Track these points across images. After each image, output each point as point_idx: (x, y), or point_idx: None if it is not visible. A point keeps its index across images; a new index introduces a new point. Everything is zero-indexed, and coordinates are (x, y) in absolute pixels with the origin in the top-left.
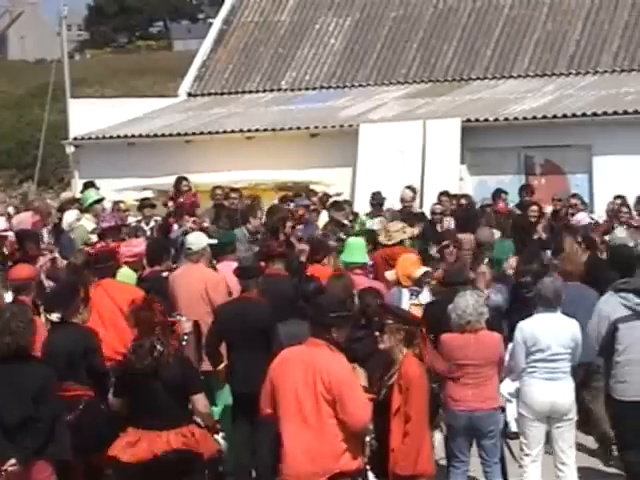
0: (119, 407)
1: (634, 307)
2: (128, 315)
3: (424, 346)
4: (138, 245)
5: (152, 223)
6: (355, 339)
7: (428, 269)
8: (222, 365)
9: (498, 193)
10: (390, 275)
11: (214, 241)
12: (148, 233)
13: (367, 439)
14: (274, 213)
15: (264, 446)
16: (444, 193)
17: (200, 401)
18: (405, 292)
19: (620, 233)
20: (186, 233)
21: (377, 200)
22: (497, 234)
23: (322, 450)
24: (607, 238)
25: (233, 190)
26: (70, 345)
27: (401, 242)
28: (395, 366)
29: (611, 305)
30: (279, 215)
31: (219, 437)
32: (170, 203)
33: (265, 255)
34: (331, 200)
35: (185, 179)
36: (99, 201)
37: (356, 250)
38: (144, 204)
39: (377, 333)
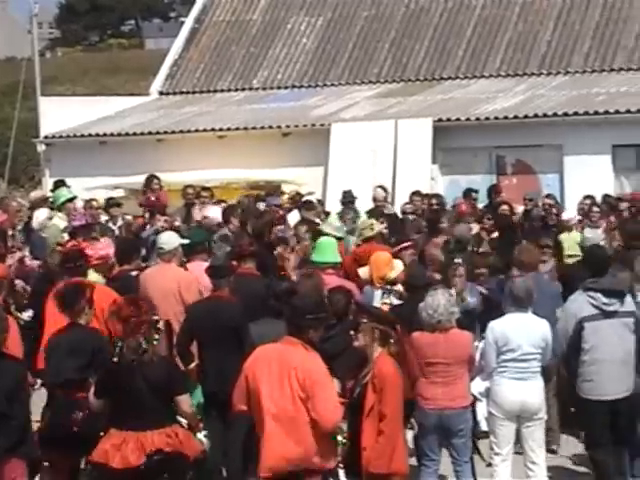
0: (101, 408)
1: (601, 306)
2: (112, 313)
3: (401, 345)
4: (104, 248)
5: (119, 222)
6: (325, 338)
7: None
8: (193, 364)
9: (468, 193)
10: (363, 272)
11: (186, 241)
12: (117, 232)
13: (339, 438)
14: (260, 217)
15: (236, 446)
16: (416, 193)
17: (185, 402)
18: (378, 291)
19: (588, 234)
20: (157, 232)
21: (348, 199)
22: (476, 228)
23: (294, 447)
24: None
25: (204, 189)
26: (77, 346)
27: (371, 239)
28: (369, 365)
29: (579, 304)
30: (265, 219)
31: (201, 436)
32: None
33: (237, 254)
34: (303, 199)
35: (156, 177)
36: (71, 199)
37: (327, 250)
38: (110, 204)
39: (352, 332)
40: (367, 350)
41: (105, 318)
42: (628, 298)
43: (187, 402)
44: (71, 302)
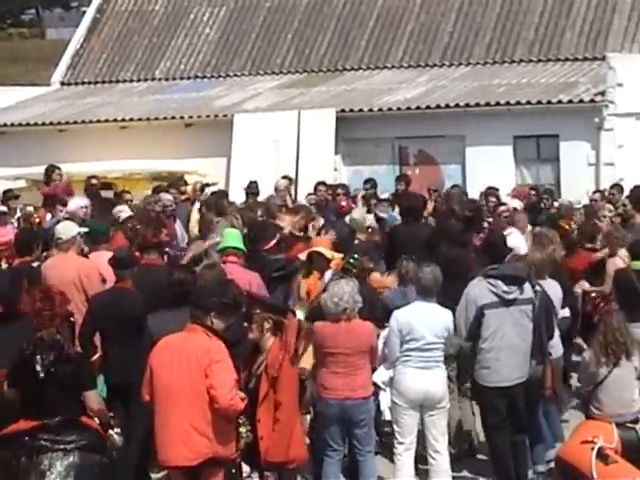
0: (12, 396)
1: (501, 294)
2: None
3: (291, 333)
4: (4, 234)
5: (18, 214)
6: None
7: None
8: (96, 356)
9: (367, 182)
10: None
11: (85, 229)
12: (15, 225)
13: (242, 430)
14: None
15: (139, 437)
16: (321, 183)
17: (92, 397)
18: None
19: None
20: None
21: (252, 189)
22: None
23: (195, 435)
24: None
25: (105, 186)
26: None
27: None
28: (262, 355)
29: (479, 290)
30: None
31: (113, 432)
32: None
33: (140, 245)
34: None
35: (57, 168)
36: None
37: (232, 238)
38: (8, 196)
39: (245, 323)
40: (260, 340)
41: None
42: (527, 285)
43: (95, 398)
44: (11, 294)
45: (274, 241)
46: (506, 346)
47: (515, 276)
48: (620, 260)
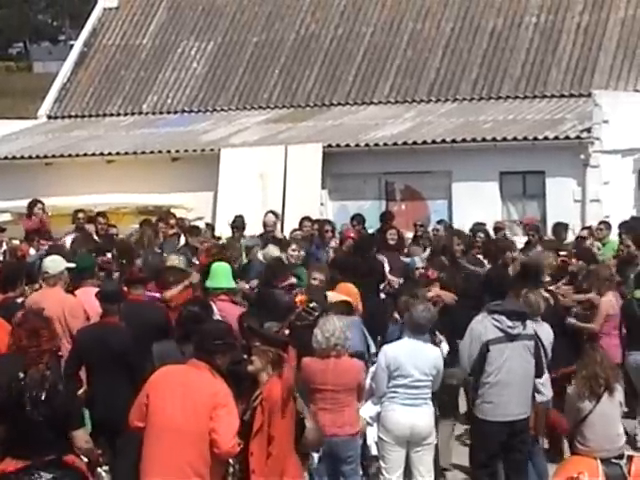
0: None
1: (506, 329)
2: (12, 343)
3: (289, 368)
4: None
5: (4, 247)
6: (234, 362)
7: None
8: (81, 390)
9: (354, 218)
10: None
11: (72, 265)
12: (1, 258)
13: (231, 461)
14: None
15: (124, 472)
16: (306, 218)
17: (80, 437)
18: None
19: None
20: (42, 257)
21: (238, 224)
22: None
23: (191, 475)
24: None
25: (100, 215)
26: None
27: None
28: (260, 388)
29: (484, 326)
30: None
31: (102, 470)
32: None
33: (127, 280)
34: (190, 224)
35: (39, 202)
36: None
37: (221, 275)
38: None
39: (245, 356)
40: (259, 373)
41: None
42: (529, 321)
43: (83, 437)
44: None
45: (290, 280)
46: (511, 381)
47: (518, 311)
48: (612, 299)
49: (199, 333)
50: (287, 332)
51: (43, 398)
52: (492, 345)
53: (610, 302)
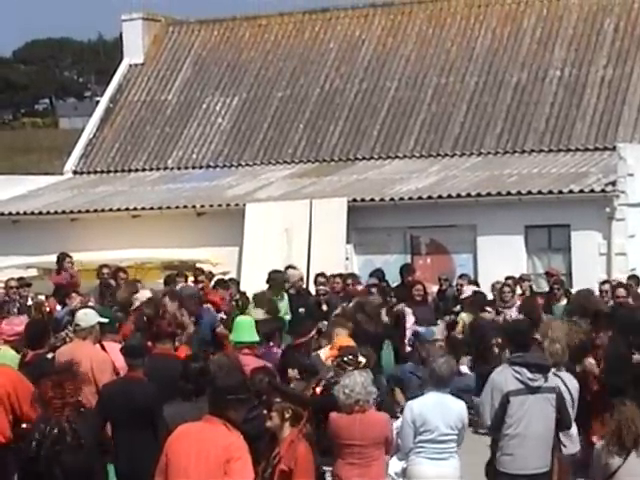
0: None
1: (526, 381)
2: (36, 396)
3: (309, 425)
4: (20, 324)
5: (29, 302)
6: (246, 420)
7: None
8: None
9: (374, 274)
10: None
11: (105, 320)
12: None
13: None
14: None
15: None
16: (320, 274)
17: None
18: None
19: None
20: (73, 312)
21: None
22: None
23: None
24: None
25: (121, 270)
26: None
27: None
28: (280, 445)
29: (504, 377)
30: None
31: None
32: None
33: (154, 334)
34: (215, 279)
35: (68, 256)
36: None
37: (245, 329)
38: (20, 284)
39: (265, 411)
40: (278, 430)
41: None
42: (551, 374)
43: None
44: None
45: (312, 333)
46: (530, 434)
47: (540, 364)
48: None
49: (212, 388)
50: (319, 391)
51: (59, 450)
52: (512, 397)
53: None
